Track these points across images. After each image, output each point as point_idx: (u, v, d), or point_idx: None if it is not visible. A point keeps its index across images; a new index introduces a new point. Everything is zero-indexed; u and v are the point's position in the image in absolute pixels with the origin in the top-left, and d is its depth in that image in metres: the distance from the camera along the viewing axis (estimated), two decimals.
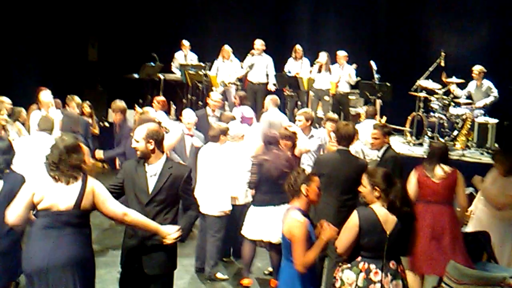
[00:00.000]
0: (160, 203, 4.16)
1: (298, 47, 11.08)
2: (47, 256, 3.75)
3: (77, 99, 7.31)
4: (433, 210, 5.35)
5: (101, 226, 7.19)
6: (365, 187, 4.02)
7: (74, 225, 3.82)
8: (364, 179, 4.03)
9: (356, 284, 3.91)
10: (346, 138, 5.42)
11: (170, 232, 4.02)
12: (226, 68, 10.98)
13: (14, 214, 3.80)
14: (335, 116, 8.04)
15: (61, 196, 3.79)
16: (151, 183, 4.18)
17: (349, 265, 3.98)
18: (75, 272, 3.80)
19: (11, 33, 10.93)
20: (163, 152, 4.29)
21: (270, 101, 8.39)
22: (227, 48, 10.99)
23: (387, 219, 3.93)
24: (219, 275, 6.21)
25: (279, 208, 5.59)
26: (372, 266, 3.93)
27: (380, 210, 3.95)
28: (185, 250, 6.64)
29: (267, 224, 5.70)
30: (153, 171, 4.18)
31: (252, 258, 5.98)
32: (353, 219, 3.94)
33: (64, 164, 3.81)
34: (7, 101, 7.55)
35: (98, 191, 3.88)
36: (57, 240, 3.77)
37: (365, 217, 3.90)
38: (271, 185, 5.68)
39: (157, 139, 4.19)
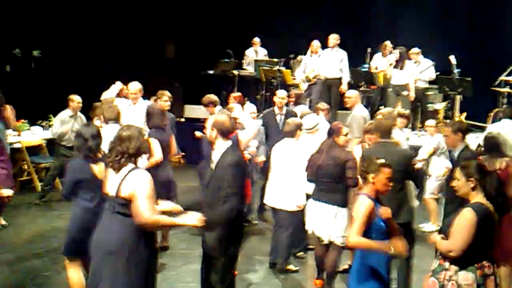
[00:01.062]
0: (216, 189, 4.47)
1: (387, 43, 10.83)
2: (99, 237, 3.94)
3: (167, 93, 7.52)
4: None
5: None
6: (458, 180, 3.92)
7: (121, 214, 3.87)
8: (457, 172, 3.93)
9: (477, 283, 3.77)
10: (388, 131, 5.49)
11: (192, 222, 4.04)
12: (312, 63, 10.68)
13: None
14: (407, 111, 7.82)
15: (111, 182, 3.94)
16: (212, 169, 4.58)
17: (458, 266, 3.81)
18: (110, 258, 3.84)
19: (91, 32, 11.39)
20: (228, 140, 4.60)
21: (357, 96, 8.08)
22: (316, 43, 10.66)
23: (494, 211, 3.82)
24: (290, 267, 6.27)
25: (333, 208, 5.52)
26: (484, 262, 3.81)
27: (487, 202, 3.83)
28: (262, 247, 6.71)
29: (323, 221, 5.59)
30: (215, 158, 4.56)
31: (324, 259, 5.83)
32: (470, 218, 3.73)
33: (114, 151, 3.93)
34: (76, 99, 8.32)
35: (139, 186, 3.83)
36: (107, 222, 3.93)
37: (482, 213, 3.75)
38: (320, 182, 5.63)
39: (220, 128, 4.55)
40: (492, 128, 7.15)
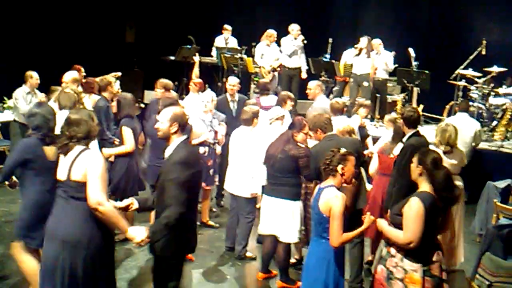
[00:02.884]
0: (161, 187, 4.05)
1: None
2: (54, 226, 3.84)
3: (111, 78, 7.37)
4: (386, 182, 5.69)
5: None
6: (413, 163, 4.02)
7: (76, 198, 3.78)
8: (415, 156, 4.03)
9: (423, 269, 3.86)
10: (328, 124, 5.53)
11: (135, 236, 3.83)
12: (272, 52, 10.67)
13: None
14: (368, 102, 7.89)
15: (62, 167, 3.87)
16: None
17: (403, 252, 3.90)
18: (69, 248, 3.75)
19: (51, 15, 11.10)
20: (183, 135, 4.19)
21: (318, 87, 8.01)
22: (272, 31, 10.63)
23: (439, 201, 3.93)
24: (248, 254, 6.30)
25: (287, 202, 5.46)
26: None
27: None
28: (220, 234, 6.72)
29: (275, 217, 5.52)
30: (168, 153, 4.12)
31: (272, 254, 5.82)
32: (418, 208, 3.82)
33: (64, 136, 3.89)
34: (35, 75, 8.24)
35: (90, 166, 3.76)
36: (61, 210, 3.83)
37: (428, 203, 3.84)
38: (274, 176, 5.54)
39: (180, 122, 4.11)
40: (448, 121, 7.28)
